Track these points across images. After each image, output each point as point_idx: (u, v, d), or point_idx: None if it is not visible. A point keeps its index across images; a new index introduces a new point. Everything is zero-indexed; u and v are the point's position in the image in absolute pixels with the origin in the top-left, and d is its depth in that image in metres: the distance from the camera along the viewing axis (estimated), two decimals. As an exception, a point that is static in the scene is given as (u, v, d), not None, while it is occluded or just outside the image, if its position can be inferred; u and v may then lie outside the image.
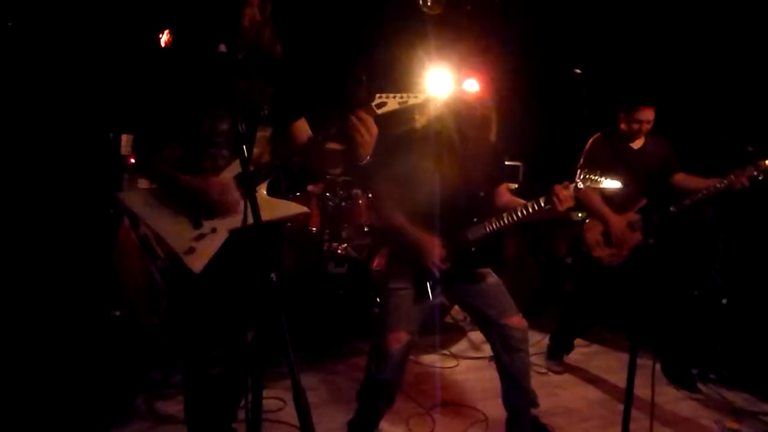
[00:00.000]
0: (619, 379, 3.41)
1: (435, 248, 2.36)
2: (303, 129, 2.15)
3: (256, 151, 2.02)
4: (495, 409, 2.99)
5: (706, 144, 4.03)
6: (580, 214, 4.01)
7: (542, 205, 2.34)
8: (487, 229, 2.43)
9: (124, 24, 3.76)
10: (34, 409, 2.56)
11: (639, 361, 2.00)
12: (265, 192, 2.05)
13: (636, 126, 3.45)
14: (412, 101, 1.96)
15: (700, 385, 3.37)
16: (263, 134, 2.05)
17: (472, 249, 2.44)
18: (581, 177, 2.36)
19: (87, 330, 2.96)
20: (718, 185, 3.29)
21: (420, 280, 2.41)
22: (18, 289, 2.93)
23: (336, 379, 3.33)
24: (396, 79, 4.48)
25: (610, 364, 3.76)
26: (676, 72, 4.26)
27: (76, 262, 3.18)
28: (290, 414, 2.78)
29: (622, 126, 3.54)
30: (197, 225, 1.94)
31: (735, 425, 2.90)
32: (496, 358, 2.51)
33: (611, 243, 3.48)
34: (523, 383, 2.48)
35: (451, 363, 3.69)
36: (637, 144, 3.57)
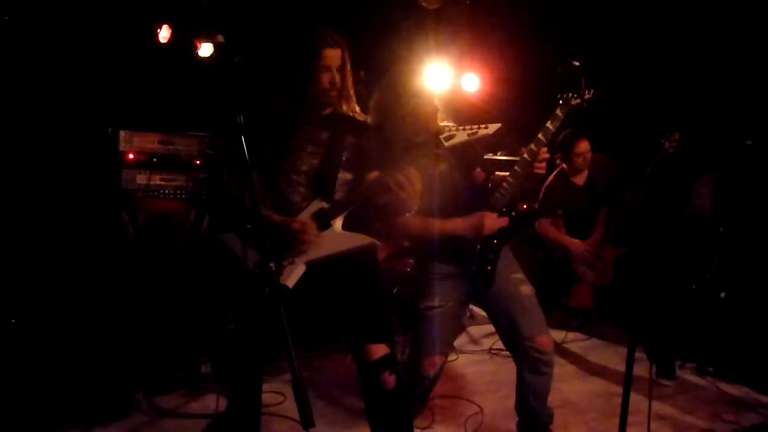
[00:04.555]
0: (618, 373, 3.41)
1: (484, 215, 2.32)
2: None
3: (337, 191, 2.18)
4: (493, 402, 3.01)
5: (704, 137, 4.03)
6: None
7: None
8: (508, 191, 2.37)
9: (122, 18, 3.74)
10: (34, 404, 2.57)
11: (637, 354, 2.01)
12: (340, 226, 2.15)
13: (580, 160, 3.83)
14: (482, 132, 1.99)
15: (698, 378, 3.39)
16: (344, 177, 2.19)
17: (513, 214, 2.41)
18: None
19: (87, 325, 2.96)
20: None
21: (476, 260, 2.37)
22: (18, 284, 2.94)
23: (336, 374, 3.34)
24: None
25: (609, 358, 3.77)
26: (675, 63, 4.26)
27: (76, 257, 3.18)
28: (289, 408, 2.79)
29: (565, 166, 3.92)
30: (277, 258, 2.02)
31: (731, 417, 2.91)
32: (518, 371, 2.44)
33: (593, 266, 3.78)
34: (540, 400, 2.45)
35: (451, 357, 3.69)
36: (581, 179, 3.93)
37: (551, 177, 3.94)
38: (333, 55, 2.13)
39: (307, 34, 2.17)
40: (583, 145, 3.80)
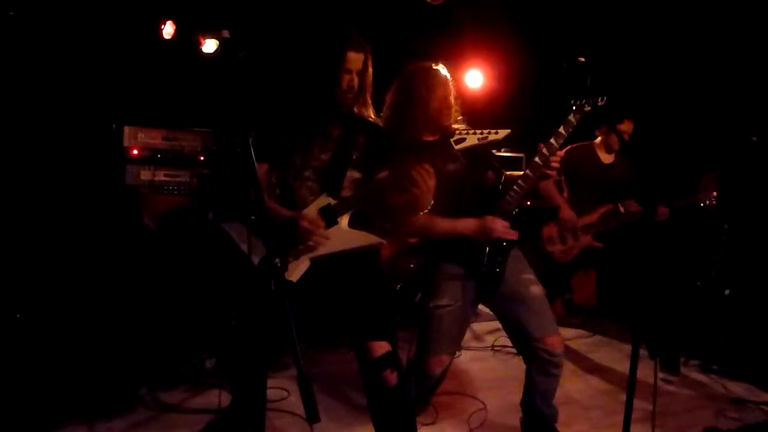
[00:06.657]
0: (621, 370, 3.41)
1: (495, 220, 2.31)
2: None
3: (344, 188, 2.20)
4: (496, 398, 3.02)
5: (709, 134, 4.03)
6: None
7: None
8: (519, 194, 2.36)
9: (127, 14, 3.75)
10: (39, 399, 2.58)
11: (641, 351, 2.01)
12: (346, 224, 2.15)
13: (617, 139, 3.81)
14: (492, 137, 2.00)
15: (702, 375, 3.38)
16: (352, 175, 2.21)
17: (523, 219, 2.40)
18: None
19: (92, 320, 2.97)
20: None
21: (483, 264, 2.35)
22: (23, 279, 2.94)
23: (340, 369, 3.34)
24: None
25: (613, 355, 3.77)
26: (683, 61, 4.25)
27: (80, 253, 3.18)
28: (293, 404, 2.79)
29: (601, 139, 3.90)
30: (282, 253, 2.01)
31: (735, 415, 2.90)
32: (528, 372, 2.44)
33: (564, 240, 3.75)
34: (546, 401, 2.44)
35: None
36: (607, 159, 3.92)
37: (580, 143, 3.89)
38: (356, 59, 2.15)
39: (333, 34, 2.18)
40: (628, 125, 3.78)
